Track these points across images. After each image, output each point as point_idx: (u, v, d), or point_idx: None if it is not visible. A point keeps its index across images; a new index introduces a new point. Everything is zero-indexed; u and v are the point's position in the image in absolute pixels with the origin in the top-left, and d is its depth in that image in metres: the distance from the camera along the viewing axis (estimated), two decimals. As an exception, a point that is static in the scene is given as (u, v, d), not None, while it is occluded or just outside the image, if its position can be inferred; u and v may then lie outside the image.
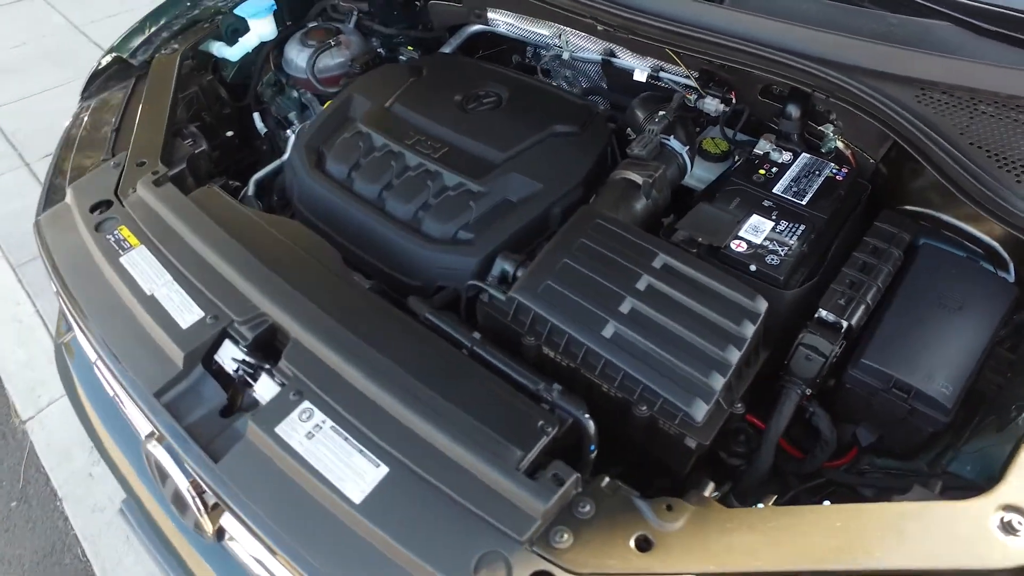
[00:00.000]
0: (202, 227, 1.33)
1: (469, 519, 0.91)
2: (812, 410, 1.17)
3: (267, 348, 1.16)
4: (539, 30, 1.89)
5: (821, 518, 0.89)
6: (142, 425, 1.27)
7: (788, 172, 1.39)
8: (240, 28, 1.97)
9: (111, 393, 1.42)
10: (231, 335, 1.16)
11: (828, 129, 1.44)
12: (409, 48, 1.92)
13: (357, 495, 0.95)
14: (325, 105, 1.82)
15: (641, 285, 1.15)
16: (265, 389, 1.12)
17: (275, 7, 1.92)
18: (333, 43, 1.92)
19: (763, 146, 1.45)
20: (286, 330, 1.14)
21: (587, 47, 1.82)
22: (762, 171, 1.40)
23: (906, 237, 1.24)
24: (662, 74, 1.68)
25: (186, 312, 1.21)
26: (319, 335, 1.12)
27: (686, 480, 1.13)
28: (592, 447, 1.06)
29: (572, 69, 1.97)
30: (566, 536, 0.89)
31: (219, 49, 1.93)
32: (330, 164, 1.57)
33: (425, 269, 1.37)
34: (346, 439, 1.01)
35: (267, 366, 1.11)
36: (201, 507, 1.12)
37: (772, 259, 1.22)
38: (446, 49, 2.01)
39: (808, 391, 1.15)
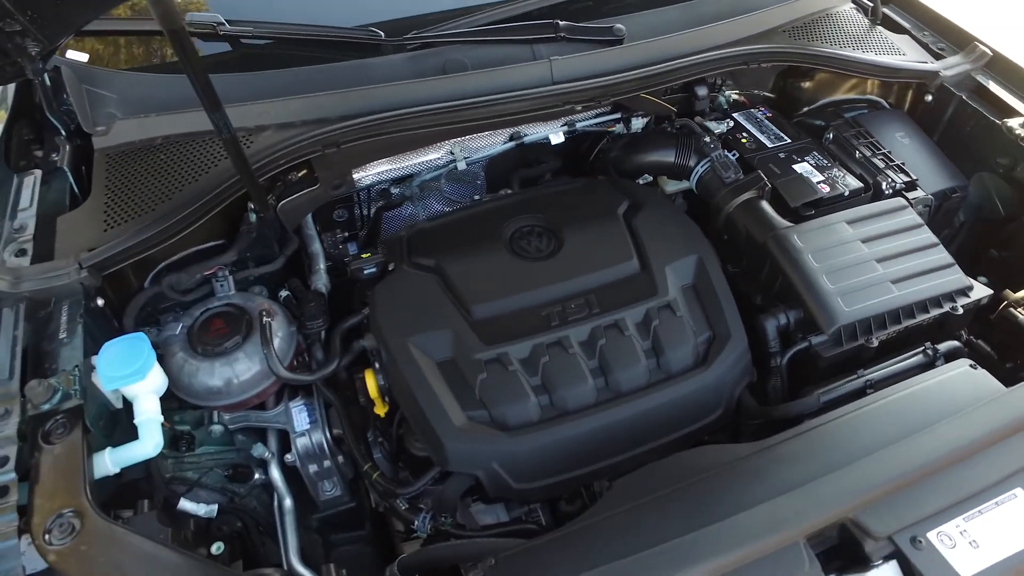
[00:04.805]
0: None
1: None
2: None
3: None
4: (424, 157, 1.68)
5: None
6: None
7: (754, 131, 1.74)
8: (109, 406, 1.14)
9: None
10: None
11: (722, 92, 1.83)
12: (364, 255, 1.44)
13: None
14: (369, 386, 1.29)
15: (860, 240, 1.40)
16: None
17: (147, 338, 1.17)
18: (267, 317, 1.30)
19: (713, 126, 1.75)
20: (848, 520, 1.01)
21: (484, 145, 1.72)
22: (744, 140, 1.71)
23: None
24: (579, 126, 1.75)
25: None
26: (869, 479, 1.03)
27: None
28: None
29: (455, 181, 1.83)
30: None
31: (119, 458, 1.10)
32: (511, 416, 1.21)
33: (718, 394, 1.29)
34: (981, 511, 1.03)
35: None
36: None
37: (846, 180, 1.59)
38: (315, 246, 1.58)
39: None
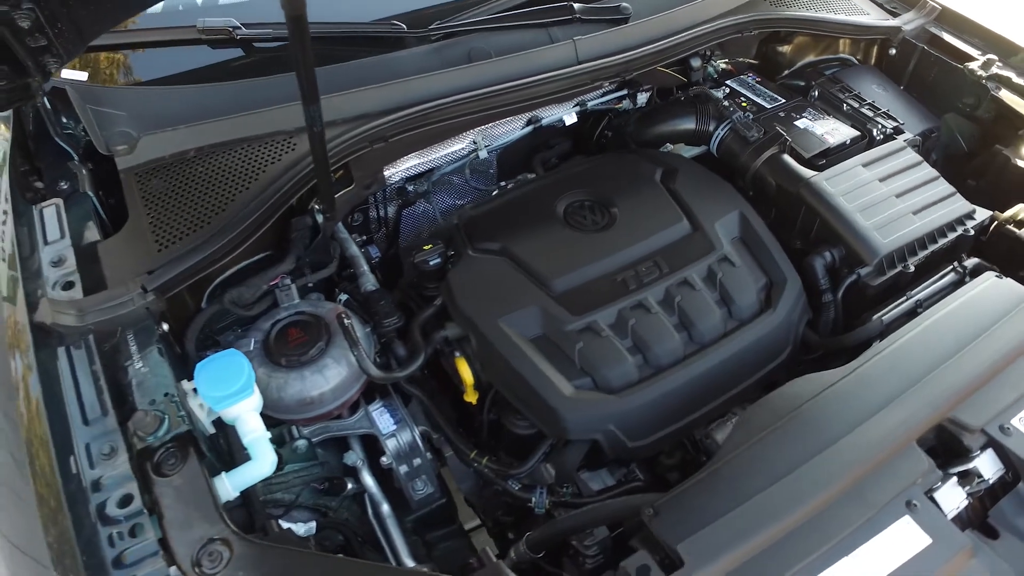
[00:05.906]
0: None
1: None
2: None
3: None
4: (450, 148, 1.67)
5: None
6: None
7: (749, 95, 1.86)
8: (205, 432, 1.08)
9: None
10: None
11: (712, 62, 1.94)
12: (427, 247, 1.41)
13: None
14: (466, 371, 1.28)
15: (877, 180, 1.53)
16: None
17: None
18: (347, 318, 1.27)
19: (713, 94, 1.85)
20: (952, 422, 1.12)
21: (507, 131, 1.74)
22: (744, 103, 1.82)
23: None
24: (589, 105, 1.81)
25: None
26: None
27: None
28: None
29: (473, 171, 1.84)
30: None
31: (237, 482, 1.04)
32: (615, 379, 1.25)
33: (786, 333, 1.39)
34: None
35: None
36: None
37: (844, 132, 1.73)
38: (353, 249, 1.56)
39: None
